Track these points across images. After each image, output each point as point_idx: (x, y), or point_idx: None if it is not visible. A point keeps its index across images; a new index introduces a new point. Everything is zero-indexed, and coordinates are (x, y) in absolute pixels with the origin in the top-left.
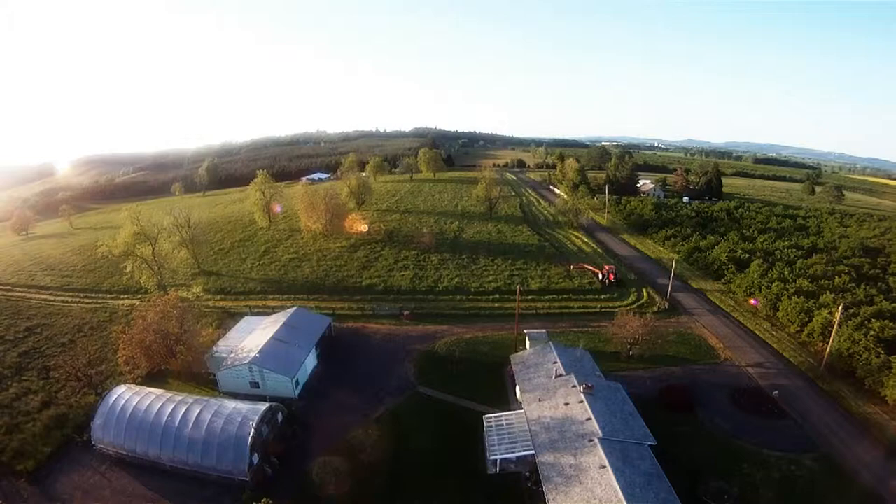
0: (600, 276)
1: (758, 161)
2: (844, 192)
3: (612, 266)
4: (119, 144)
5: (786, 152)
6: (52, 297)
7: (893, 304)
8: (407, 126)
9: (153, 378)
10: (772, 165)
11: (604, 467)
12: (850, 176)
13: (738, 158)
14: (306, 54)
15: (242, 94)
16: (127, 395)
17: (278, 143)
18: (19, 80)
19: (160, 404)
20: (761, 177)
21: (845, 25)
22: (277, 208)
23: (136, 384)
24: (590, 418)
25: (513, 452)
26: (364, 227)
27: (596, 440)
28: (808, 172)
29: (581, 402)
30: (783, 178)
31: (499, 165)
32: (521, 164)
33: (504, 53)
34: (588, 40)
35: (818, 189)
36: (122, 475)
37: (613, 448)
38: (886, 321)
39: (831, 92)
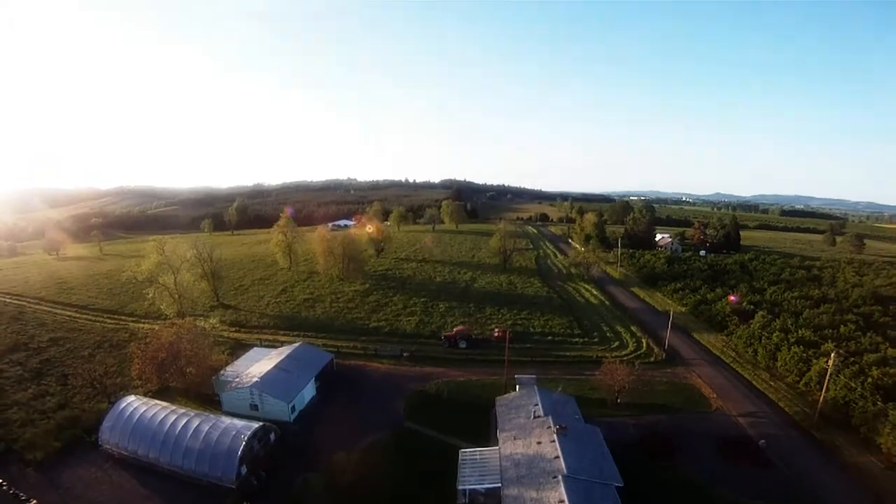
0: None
1: (784, 213)
2: (868, 241)
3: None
4: (155, 178)
5: (815, 203)
6: (77, 315)
7: None
8: (436, 177)
9: (162, 393)
10: (798, 217)
11: (562, 502)
12: (877, 225)
13: (765, 211)
14: (345, 102)
15: (278, 138)
16: (136, 404)
17: (309, 188)
18: (65, 110)
19: (164, 414)
20: (784, 229)
21: (879, 80)
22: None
23: (146, 397)
24: (558, 456)
25: (482, 484)
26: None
27: (559, 477)
28: (832, 223)
29: (553, 441)
30: (807, 230)
31: (522, 219)
32: (544, 217)
33: (539, 111)
34: (623, 101)
35: (839, 239)
36: (122, 473)
37: (576, 486)
38: (888, 368)
39: (860, 141)
